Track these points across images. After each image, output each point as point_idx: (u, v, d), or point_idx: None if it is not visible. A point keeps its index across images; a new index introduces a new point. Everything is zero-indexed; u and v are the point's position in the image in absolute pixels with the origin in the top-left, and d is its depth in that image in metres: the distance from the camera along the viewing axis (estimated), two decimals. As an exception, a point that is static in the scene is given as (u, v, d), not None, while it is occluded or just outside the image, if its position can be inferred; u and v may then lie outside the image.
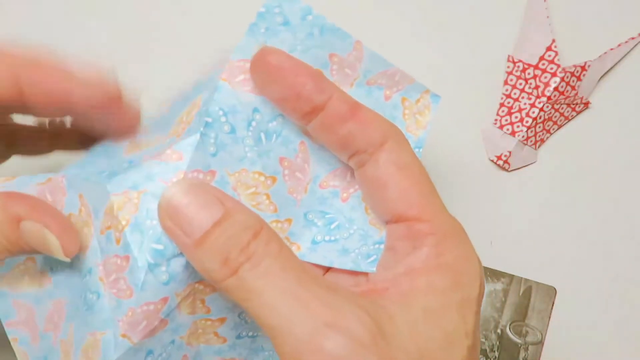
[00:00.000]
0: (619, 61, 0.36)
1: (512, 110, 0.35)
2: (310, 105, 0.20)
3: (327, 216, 0.23)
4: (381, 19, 0.37)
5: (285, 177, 0.22)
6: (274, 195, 0.22)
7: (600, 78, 0.36)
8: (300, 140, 0.22)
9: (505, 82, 0.36)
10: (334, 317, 0.18)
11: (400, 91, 0.24)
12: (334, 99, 0.20)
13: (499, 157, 0.35)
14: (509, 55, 0.36)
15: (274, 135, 0.22)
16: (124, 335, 0.20)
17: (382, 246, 0.22)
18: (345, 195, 0.23)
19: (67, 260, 0.20)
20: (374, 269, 0.21)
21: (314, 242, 0.23)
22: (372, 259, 0.22)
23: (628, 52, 0.36)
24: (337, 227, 0.23)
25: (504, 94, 0.36)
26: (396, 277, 0.20)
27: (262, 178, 0.22)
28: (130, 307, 0.20)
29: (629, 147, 0.36)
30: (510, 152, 0.35)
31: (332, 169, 0.23)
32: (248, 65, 0.21)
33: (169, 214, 0.19)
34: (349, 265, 0.22)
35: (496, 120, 0.36)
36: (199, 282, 0.21)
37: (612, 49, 0.36)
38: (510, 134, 0.35)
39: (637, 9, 0.37)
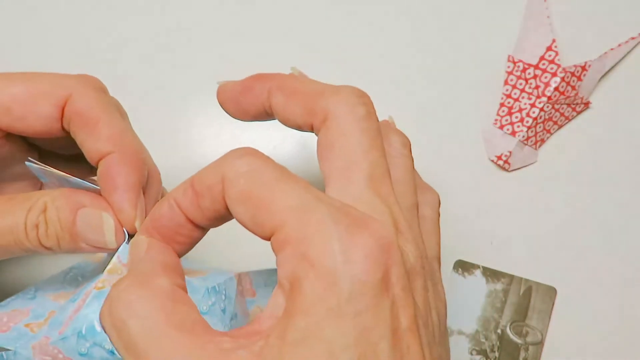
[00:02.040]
0: (619, 61, 0.36)
1: (513, 110, 0.35)
2: (262, 107, 0.22)
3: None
4: (381, 19, 0.37)
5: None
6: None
7: (601, 78, 0.36)
8: None
9: (506, 82, 0.36)
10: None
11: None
12: (272, 93, 0.22)
13: (499, 157, 0.35)
14: (509, 55, 0.36)
15: None
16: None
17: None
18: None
19: (114, 246, 0.22)
20: None
21: None
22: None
23: (628, 52, 0.36)
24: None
25: (504, 94, 0.36)
26: (270, 308, 0.17)
27: None
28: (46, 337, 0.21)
29: (629, 147, 0.36)
30: (510, 152, 0.35)
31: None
32: None
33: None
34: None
35: (496, 120, 0.36)
36: None
37: (612, 49, 0.36)
38: (510, 134, 0.35)
39: (637, 9, 0.37)
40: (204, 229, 0.20)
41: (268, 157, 0.19)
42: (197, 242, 0.20)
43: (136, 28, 0.36)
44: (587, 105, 0.36)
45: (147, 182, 0.24)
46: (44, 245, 0.22)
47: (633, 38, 0.36)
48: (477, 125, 0.36)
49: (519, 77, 0.35)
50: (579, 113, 0.36)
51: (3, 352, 0.22)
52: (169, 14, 0.37)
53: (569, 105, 0.35)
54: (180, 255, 0.20)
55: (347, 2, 0.37)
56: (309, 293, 0.15)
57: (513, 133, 0.35)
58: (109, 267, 0.22)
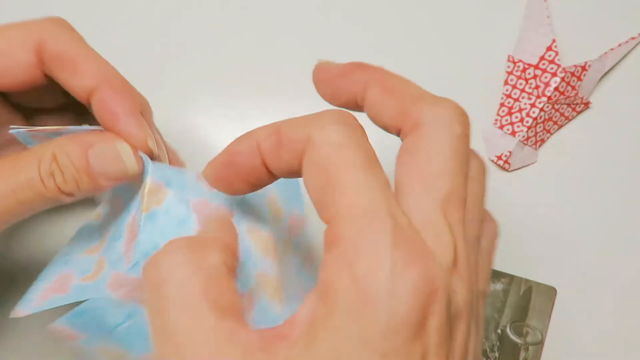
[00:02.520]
0: (619, 61, 0.36)
1: (513, 110, 0.35)
2: (354, 96, 0.21)
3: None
4: (381, 19, 0.37)
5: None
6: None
7: (601, 78, 0.36)
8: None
9: (506, 82, 0.36)
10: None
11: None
12: (371, 85, 0.21)
13: (499, 157, 0.35)
14: (509, 55, 0.36)
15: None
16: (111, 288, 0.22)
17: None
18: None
19: (136, 171, 0.22)
20: None
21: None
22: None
23: (628, 52, 0.36)
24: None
25: (504, 94, 0.36)
26: (298, 315, 0.17)
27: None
28: (116, 272, 0.21)
29: (629, 147, 0.36)
30: (510, 152, 0.35)
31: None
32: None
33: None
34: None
35: (496, 120, 0.36)
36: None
37: (612, 49, 0.36)
38: (510, 134, 0.35)
39: (637, 9, 0.37)
40: (274, 177, 0.19)
41: (363, 132, 0.18)
42: (264, 186, 0.20)
43: (136, 29, 0.36)
44: (587, 105, 0.36)
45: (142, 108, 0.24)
46: (64, 191, 0.22)
47: (633, 38, 0.36)
48: (477, 125, 0.36)
49: (519, 77, 0.35)
50: (579, 113, 0.36)
51: (85, 310, 0.21)
52: (169, 15, 0.37)
53: (569, 105, 0.35)
54: (240, 193, 0.20)
55: (347, 3, 0.37)
56: (344, 310, 0.15)
57: (513, 133, 0.35)
58: (146, 189, 0.22)
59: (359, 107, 0.21)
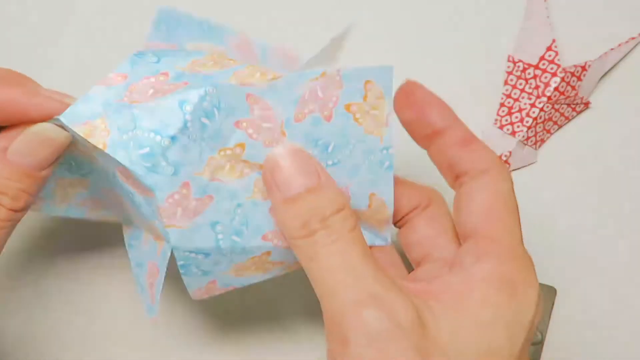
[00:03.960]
0: (619, 61, 0.36)
1: (512, 110, 0.35)
2: (432, 128, 0.23)
3: (319, 142, 0.23)
4: (381, 19, 0.37)
5: (252, 136, 0.22)
6: (252, 157, 0.22)
7: (601, 78, 0.36)
8: (247, 93, 0.22)
9: (506, 82, 0.36)
10: (380, 293, 0.19)
11: (337, 103, 0.23)
12: (454, 127, 0.23)
13: (499, 157, 0.35)
14: (509, 55, 0.36)
15: (216, 110, 0.22)
16: (169, 226, 0.22)
17: (391, 150, 0.24)
18: (326, 113, 0.23)
19: (68, 133, 0.22)
20: (391, 175, 0.24)
21: (212, 225, 0.23)
22: (386, 164, 0.24)
23: (628, 52, 0.36)
24: (334, 148, 0.23)
25: (504, 94, 0.36)
26: (453, 283, 0.21)
27: (229, 152, 0.22)
28: (157, 205, 0.21)
29: (629, 147, 0.36)
30: (510, 152, 0.35)
31: (297, 98, 0.23)
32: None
33: (271, 170, 0.21)
34: (366, 184, 0.23)
35: (496, 120, 0.36)
36: (222, 150, 0.22)
37: (612, 49, 0.36)
38: (510, 134, 0.35)
39: (637, 9, 0.37)
40: None
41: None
42: None
43: (135, 29, 0.36)
44: (587, 105, 0.36)
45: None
46: (18, 209, 0.21)
47: (633, 38, 0.36)
48: (477, 125, 0.36)
49: (519, 77, 0.35)
50: (579, 113, 0.36)
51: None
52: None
53: (569, 105, 0.35)
54: None
55: (345, 3, 0.37)
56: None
57: (513, 133, 0.35)
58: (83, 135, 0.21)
59: (424, 141, 0.24)
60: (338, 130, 0.23)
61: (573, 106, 0.36)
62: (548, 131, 0.36)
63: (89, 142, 0.21)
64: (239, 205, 0.23)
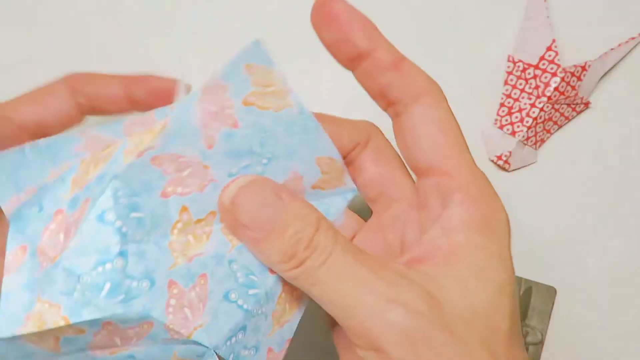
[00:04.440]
0: (619, 61, 0.36)
1: (513, 110, 0.35)
2: (356, 51, 0.21)
3: (243, 151, 0.21)
4: (380, 19, 0.37)
5: (184, 193, 0.20)
6: (201, 212, 0.21)
7: (601, 78, 0.36)
8: (149, 159, 0.19)
9: (506, 82, 0.36)
10: (393, 293, 0.19)
11: (233, 105, 0.21)
12: (380, 49, 0.22)
13: (499, 157, 0.35)
14: (509, 55, 0.36)
15: (136, 198, 0.19)
16: (191, 333, 0.19)
17: (306, 110, 0.21)
18: (231, 122, 0.20)
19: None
20: (321, 129, 0.22)
21: (225, 298, 0.21)
22: (311, 124, 0.21)
23: (628, 52, 0.36)
24: (260, 146, 0.21)
25: (504, 94, 0.36)
26: (434, 240, 0.21)
27: (180, 225, 0.20)
28: (165, 324, 0.19)
29: (629, 147, 0.36)
30: (510, 152, 0.35)
31: (197, 128, 0.20)
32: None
33: (230, 213, 0.20)
34: (306, 155, 0.22)
35: (496, 120, 0.36)
36: (173, 228, 0.20)
37: (612, 49, 0.36)
38: (510, 134, 0.35)
39: (637, 9, 0.37)
40: None
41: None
42: None
43: (133, 27, 0.36)
44: (587, 105, 0.36)
45: None
46: None
47: (633, 38, 0.36)
48: (477, 125, 0.36)
49: (519, 77, 0.35)
50: (579, 113, 0.36)
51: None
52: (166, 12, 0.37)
53: (569, 105, 0.35)
54: None
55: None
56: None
57: (513, 133, 0.35)
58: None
59: (349, 64, 0.22)
60: (251, 129, 0.21)
61: (573, 106, 0.36)
62: (548, 131, 0.36)
63: (46, 330, 0.18)
64: (230, 262, 0.21)
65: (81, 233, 0.18)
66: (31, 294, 0.18)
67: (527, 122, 0.35)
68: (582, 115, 0.36)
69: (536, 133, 0.35)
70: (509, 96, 0.36)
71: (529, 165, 0.35)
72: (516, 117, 0.35)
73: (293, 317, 0.23)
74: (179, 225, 0.20)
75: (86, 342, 0.19)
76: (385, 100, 0.22)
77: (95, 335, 0.19)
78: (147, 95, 0.25)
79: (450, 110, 0.22)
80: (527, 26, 0.36)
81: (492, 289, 0.20)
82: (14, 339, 0.18)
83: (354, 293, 0.19)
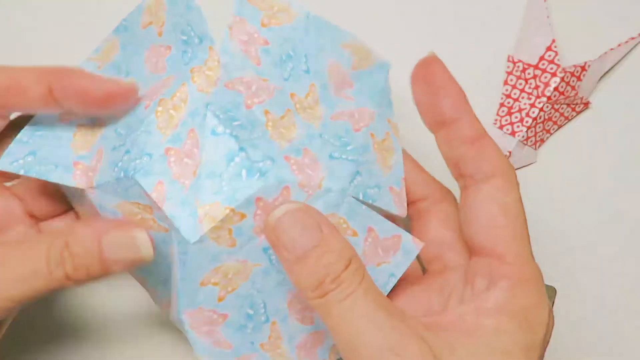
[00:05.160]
0: (619, 61, 0.36)
1: (512, 110, 0.35)
2: (442, 117, 0.23)
3: (342, 139, 0.25)
4: (380, 19, 0.37)
5: (299, 110, 0.25)
6: (298, 124, 0.25)
7: (600, 78, 0.36)
8: (311, 83, 0.25)
9: (505, 82, 0.36)
10: (399, 346, 0.20)
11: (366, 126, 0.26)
12: (464, 120, 0.23)
13: (506, 159, 0.35)
14: (509, 55, 0.36)
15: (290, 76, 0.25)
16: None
17: (386, 189, 0.25)
18: (357, 127, 0.26)
19: (152, 256, 0.22)
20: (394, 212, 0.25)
21: (331, 157, 0.24)
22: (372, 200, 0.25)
23: (628, 52, 0.36)
24: (353, 149, 0.25)
25: (503, 94, 0.36)
26: (465, 313, 0.22)
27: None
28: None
29: (629, 147, 0.36)
30: (510, 152, 0.35)
31: (341, 109, 0.26)
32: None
33: (275, 231, 0.21)
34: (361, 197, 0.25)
35: (496, 120, 0.36)
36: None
37: (612, 49, 0.36)
38: (510, 134, 0.35)
39: (637, 9, 0.37)
40: None
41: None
42: None
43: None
44: (587, 105, 0.36)
45: None
46: (72, 279, 0.22)
47: (633, 38, 0.36)
48: (477, 125, 0.36)
49: (518, 77, 0.35)
50: (578, 113, 0.36)
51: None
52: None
53: (568, 105, 0.35)
54: None
55: (344, 3, 0.37)
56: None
57: (513, 133, 0.35)
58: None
59: (432, 127, 0.24)
60: (278, 40, 0.25)
61: (573, 106, 0.36)
62: (548, 131, 0.36)
63: (219, 225, 0.22)
64: (320, 135, 0.25)
65: (205, 149, 0.22)
66: (190, 207, 0.22)
67: (526, 122, 0.35)
68: (582, 115, 0.36)
69: (536, 133, 0.35)
70: (508, 96, 0.36)
71: (529, 165, 0.35)
72: (516, 117, 0.35)
73: (396, 158, 0.27)
74: (270, 123, 0.24)
75: (252, 227, 0.23)
76: (458, 170, 0.23)
77: (255, 217, 0.23)
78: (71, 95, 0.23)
79: (520, 198, 0.23)
80: (527, 26, 0.36)
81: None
82: (202, 241, 0.22)
83: (362, 334, 0.20)
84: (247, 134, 0.23)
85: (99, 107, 0.23)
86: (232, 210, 0.22)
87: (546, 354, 0.33)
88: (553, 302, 0.33)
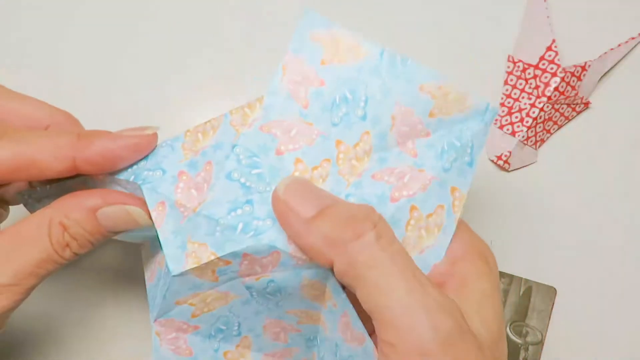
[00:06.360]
0: (619, 61, 0.36)
1: (513, 110, 0.35)
2: None
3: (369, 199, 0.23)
4: (381, 19, 0.37)
5: (340, 161, 0.23)
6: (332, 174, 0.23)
7: (600, 78, 0.36)
8: (365, 131, 0.23)
9: (506, 82, 0.36)
10: (440, 303, 0.19)
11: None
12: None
13: (499, 157, 0.35)
14: (509, 55, 0.36)
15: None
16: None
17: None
18: (396, 195, 0.23)
19: (151, 224, 0.22)
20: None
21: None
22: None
23: (628, 52, 0.36)
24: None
25: (504, 94, 0.36)
26: (447, 268, 0.22)
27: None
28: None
29: (629, 147, 0.36)
30: (510, 152, 0.35)
31: (392, 165, 0.23)
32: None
33: (284, 197, 0.21)
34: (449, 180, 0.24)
35: (496, 120, 0.36)
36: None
37: (612, 49, 0.36)
38: (510, 134, 0.35)
39: (637, 9, 0.37)
40: None
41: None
42: None
43: (133, 32, 0.36)
44: (587, 105, 0.36)
45: None
46: (79, 253, 0.23)
47: (633, 38, 0.36)
48: (477, 125, 0.36)
49: (519, 77, 0.35)
50: (579, 113, 0.36)
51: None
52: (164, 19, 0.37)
53: (568, 105, 0.35)
54: None
55: (343, 3, 0.37)
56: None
57: (513, 133, 0.35)
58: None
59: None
60: (337, 82, 0.23)
61: (573, 106, 0.36)
62: (548, 131, 0.36)
63: (203, 265, 0.21)
64: (347, 196, 0.23)
65: (214, 189, 0.22)
66: (182, 237, 0.22)
67: (527, 122, 0.35)
68: (582, 115, 0.36)
69: (536, 133, 0.35)
70: (508, 96, 0.36)
71: (529, 165, 0.35)
72: (516, 117, 0.35)
73: (440, 239, 0.24)
74: (297, 173, 0.22)
75: (235, 271, 0.22)
76: None
77: (240, 265, 0.22)
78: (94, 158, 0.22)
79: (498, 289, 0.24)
80: (527, 26, 0.36)
81: (495, 316, 0.21)
82: (183, 274, 0.22)
83: (401, 296, 0.19)
84: (262, 185, 0.22)
85: (124, 163, 0.23)
86: (217, 258, 0.21)
87: (546, 353, 0.33)
88: (553, 302, 0.33)
